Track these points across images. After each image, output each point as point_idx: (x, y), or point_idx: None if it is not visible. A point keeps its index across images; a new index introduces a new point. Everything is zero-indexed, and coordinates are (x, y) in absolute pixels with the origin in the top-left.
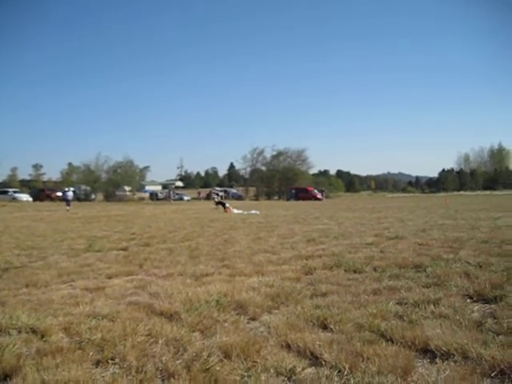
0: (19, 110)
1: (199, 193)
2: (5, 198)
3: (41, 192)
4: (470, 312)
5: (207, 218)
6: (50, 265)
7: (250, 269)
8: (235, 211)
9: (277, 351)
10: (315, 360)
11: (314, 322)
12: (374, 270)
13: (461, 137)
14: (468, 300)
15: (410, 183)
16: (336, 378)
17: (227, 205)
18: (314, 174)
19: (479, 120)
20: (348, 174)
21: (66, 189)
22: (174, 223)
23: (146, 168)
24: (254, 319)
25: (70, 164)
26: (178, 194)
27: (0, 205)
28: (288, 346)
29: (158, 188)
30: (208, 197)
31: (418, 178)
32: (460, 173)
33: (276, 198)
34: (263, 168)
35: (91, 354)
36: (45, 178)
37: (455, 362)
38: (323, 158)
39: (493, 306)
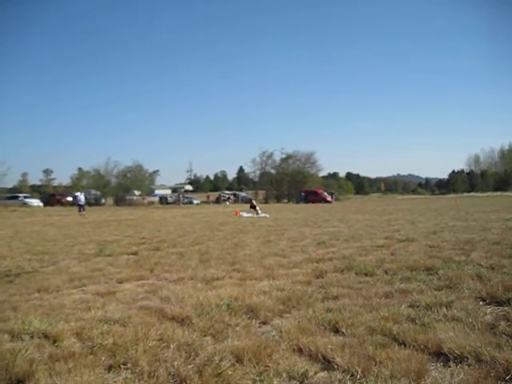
0: (27, 113)
1: (208, 196)
2: (15, 203)
3: (51, 197)
4: (482, 314)
5: (217, 221)
6: (61, 270)
7: (261, 272)
8: (245, 215)
9: (289, 355)
10: (327, 364)
11: (325, 326)
12: (386, 272)
13: (471, 138)
14: (481, 302)
15: (419, 185)
16: (349, 382)
17: (258, 208)
18: (323, 177)
19: (489, 121)
20: (358, 176)
21: (78, 193)
22: (183, 227)
23: (156, 172)
24: (265, 323)
25: (79, 169)
26: (187, 197)
27: (11, 210)
28: (300, 350)
29: (168, 192)
30: (217, 200)
31: (427, 180)
32: (470, 174)
33: (285, 201)
34: (272, 171)
35: (103, 358)
36: (55, 182)
37: (469, 365)
38: (332, 161)
39: (506, 308)
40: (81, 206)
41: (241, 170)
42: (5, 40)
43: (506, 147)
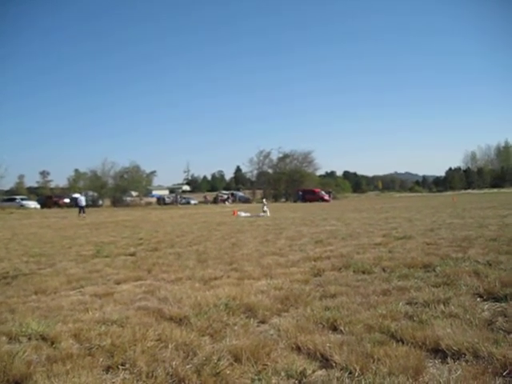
0: (23, 116)
1: (205, 196)
2: (12, 205)
3: (48, 199)
4: (480, 311)
5: (214, 221)
6: (59, 271)
7: (259, 272)
8: (243, 214)
9: (287, 354)
10: (326, 362)
11: (323, 324)
12: (383, 270)
13: (467, 135)
14: (478, 299)
15: (417, 183)
16: (347, 380)
17: (265, 208)
18: (320, 176)
19: (486, 118)
20: (355, 174)
21: (77, 195)
22: (181, 227)
23: (153, 173)
24: (263, 322)
25: (76, 170)
26: (185, 198)
27: (8, 212)
28: (298, 349)
29: (165, 192)
30: (215, 200)
31: (425, 178)
32: (467, 171)
33: (283, 200)
34: (270, 171)
35: (101, 360)
36: (52, 184)
37: (466, 361)
38: (330, 160)
39: (503, 304)
40: (81, 208)
41: (238, 169)
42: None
43: (503, 144)
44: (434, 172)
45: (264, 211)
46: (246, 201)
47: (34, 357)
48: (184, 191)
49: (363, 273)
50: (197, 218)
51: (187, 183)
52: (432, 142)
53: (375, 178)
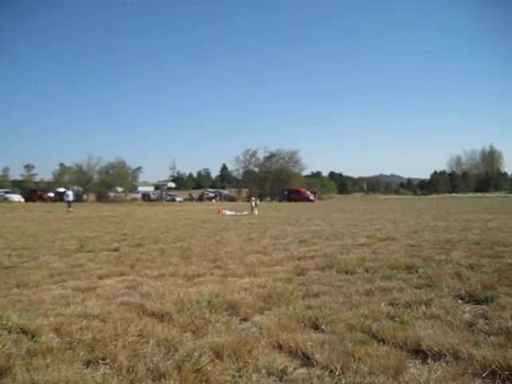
0: (9, 112)
1: (191, 194)
2: None
3: (33, 192)
4: (461, 313)
5: (199, 219)
6: (42, 265)
7: (242, 270)
8: (227, 212)
9: (268, 351)
10: (307, 360)
11: (305, 323)
12: (366, 270)
13: (453, 139)
14: (459, 301)
15: (402, 185)
16: (327, 379)
17: (254, 204)
18: (306, 176)
19: (471, 122)
20: (340, 175)
21: (62, 189)
22: (166, 224)
23: (139, 169)
24: (245, 320)
25: (61, 164)
26: (170, 194)
27: None
28: (280, 347)
29: (151, 189)
30: (200, 198)
31: (410, 180)
32: (452, 175)
33: (268, 199)
34: (256, 169)
35: (82, 354)
36: (37, 178)
37: (447, 362)
38: (316, 160)
39: (484, 306)
40: (69, 202)
41: (224, 167)
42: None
43: (487, 149)
44: (419, 175)
45: (253, 209)
46: (231, 199)
47: (14, 350)
48: (169, 188)
49: (346, 273)
50: (182, 215)
51: (173, 180)
52: (418, 144)
53: (361, 180)
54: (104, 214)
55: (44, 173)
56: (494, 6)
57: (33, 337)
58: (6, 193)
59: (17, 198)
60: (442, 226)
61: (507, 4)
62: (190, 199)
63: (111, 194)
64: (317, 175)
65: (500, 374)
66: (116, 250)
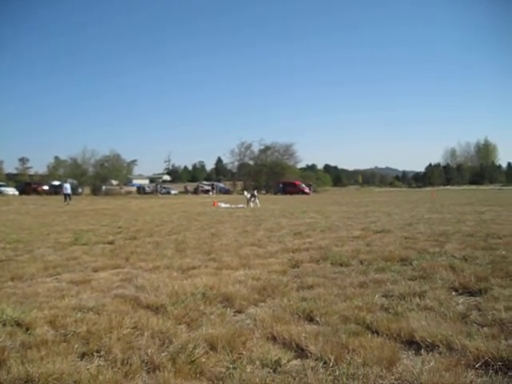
0: (6, 106)
1: (185, 187)
2: None
3: (27, 185)
4: (455, 304)
5: (194, 211)
6: (36, 258)
7: (237, 262)
8: (223, 205)
9: (262, 343)
10: (301, 352)
11: (300, 315)
12: (361, 263)
13: (448, 131)
14: (453, 293)
15: (397, 178)
16: (321, 370)
17: (248, 196)
18: (301, 169)
19: (466, 115)
20: (335, 168)
21: (57, 182)
22: (161, 217)
23: (133, 162)
24: (240, 312)
25: (56, 158)
26: (165, 187)
27: None
28: (274, 338)
29: (146, 182)
30: (195, 191)
31: (404, 173)
32: (446, 167)
33: (264, 192)
34: (251, 162)
35: (76, 346)
36: (31, 171)
37: (440, 353)
38: (311, 153)
39: (478, 298)
40: (67, 195)
41: (219, 160)
42: None
43: (482, 141)
44: (413, 168)
45: (253, 202)
46: (226, 192)
47: (9, 343)
48: (164, 181)
49: (341, 265)
50: (177, 208)
51: (168, 173)
52: (413, 137)
53: (356, 172)
54: (99, 207)
55: (38, 166)
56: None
57: (27, 329)
58: (1, 186)
59: (11, 191)
60: (437, 219)
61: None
62: (185, 192)
63: (106, 187)
64: (312, 168)
65: (493, 365)
66: (111, 242)
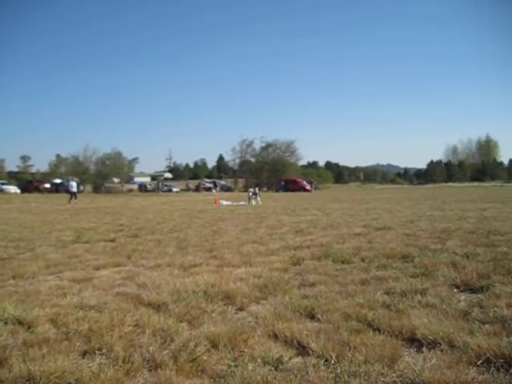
0: (6, 104)
1: (187, 184)
2: None
3: (29, 184)
4: (456, 301)
5: (196, 209)
6: (38, 256)
7: (238, 259)
8: (224, 202)
9: (264, 341)
10: (302, 349)
11: (301, 312)
12: (362, 260)
13: (449, 128)
14: (455, 290)
15: (398, 175)
16: (323, 367)
17: (251, 194)
18: (302, 166)
19: (467, 112)
20: (337, 165)
21: (59, 180)
22: (162, 215)
23: (135, 159)
24: (241, 309)
25: (58, 155)
26: (166, 185)
27: None
28: (275, 336)
29: (147, 179)
30: (197, 188)
31: (406, 170)
32: (448, 164)
33: (265, 189)
34: (252, 159)
35: (78, 344)
36: (33, 169)
37: (441, 350)
38: (312, 150)
39: (479, 295)
40: (73, 194)
41: (220, 158)
42: None
43: (484, 138)
44: (415, 164)
45: (254, 199)
46: (228, 189)
47: (10, 341)
48: (166, 179)
49: (342, 262)
50: (178, 206)
51: (169, 171)
52: (414, 134)
53: (357, 169)
54: (100, 204)
55: (40, 164)
56: None
57: (29, 328)
58: (2, 184)
59: (13, 189)
60: (438, 216)
61: None
62: (187, 189)
63: (108, 185)
64: (313, 165)
65: (494, 362)
66: (112, 240)
